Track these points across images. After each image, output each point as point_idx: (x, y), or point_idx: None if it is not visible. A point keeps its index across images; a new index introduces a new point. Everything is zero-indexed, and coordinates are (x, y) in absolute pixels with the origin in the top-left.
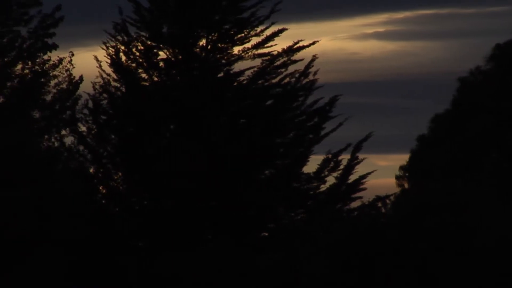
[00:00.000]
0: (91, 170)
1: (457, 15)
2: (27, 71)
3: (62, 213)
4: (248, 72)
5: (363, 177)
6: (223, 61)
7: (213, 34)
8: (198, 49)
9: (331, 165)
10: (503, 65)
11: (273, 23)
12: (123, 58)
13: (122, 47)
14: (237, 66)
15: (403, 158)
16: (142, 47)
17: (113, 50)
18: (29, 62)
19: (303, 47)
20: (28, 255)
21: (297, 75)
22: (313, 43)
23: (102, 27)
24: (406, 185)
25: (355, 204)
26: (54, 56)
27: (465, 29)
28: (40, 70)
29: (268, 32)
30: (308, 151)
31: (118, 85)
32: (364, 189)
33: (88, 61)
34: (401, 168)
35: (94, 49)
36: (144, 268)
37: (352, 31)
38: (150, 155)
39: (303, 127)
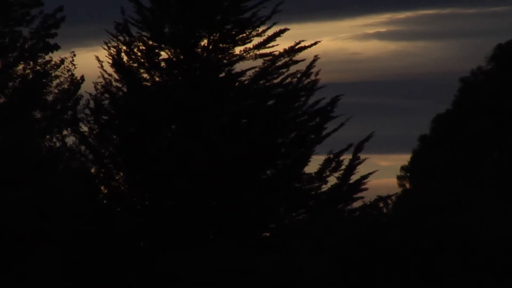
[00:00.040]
0: (92, 170)
1: (458, 15)
2: (28, 71)
3: (63, 213)
4: (249, 72)
5: (365, 177)
6: (225, 61)
7: (214, 34)
8: (199, 49)
9: (333, 165)
10: (504, 65)
11: (274, 24)
12: (125, 58)
13: (124, 47)
14: (239, 66)
15: (404, 158)
16: (143, 47)
17: (115, 50)
18: (31, 62)
19: (305, 48)
20: (28, 255)
21: (298, 75)
22: (315, 43)
23: (103, 27)
24: (407, 185)
25: (356, 204)
26: (56, 56)
27: (466, 29)
28: (41, 71)
29: (270, 32)
30: (310, 151)
31: (120, 85)
32: (366, 189)
33: (89, 61)
34: (403, 168)
35: (96, 49)
36: (145, 268)
37: (354, 31)
38: (152, 155)
39: (304, 127)
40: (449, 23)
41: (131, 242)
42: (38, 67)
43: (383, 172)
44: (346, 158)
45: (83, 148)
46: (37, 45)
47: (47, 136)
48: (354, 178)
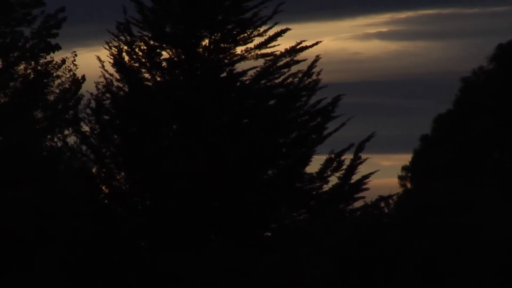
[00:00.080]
0: (93, 170)
1: (460, 15)
2: (30, 71)
3: (64, 213)
4: (250, 72)
5: (366, 177)
6: (226, 61)
7: (216, 34)
8: (201, 49)
9: (334, 165)
10: (505, 65)
11: (275, 23)
12: (126, 58)
13: (125, 47)
14: (240, 66)
15: (405, 158)
16: (145, 47)
17: (116, 50)
18: (32, 62)
19: (306, 48)
20: (28, 255)
21: (300, 75)
22: (316, 43)
23: (104, 27)
24: (408, 185)
25: (357, 204)
26: (57, 56)
27: (468, 29)
28: (43, 70)
29: (271, 32)
30: (311, 151)
31: (121, 85)
32: (367, 189)
33: (90, 61)
34: (404, 168)
35: (97, 49)
36: (146, 268)
37: (355, 31)
38: (153, 155)
39: (305, 127)
40: (450, 23)
41: (132, 242)
42: (39, 67)
43: (384, 172)
44: (347, 158)
45: (84, 148)
46: (38, 45)
47: (48, 136)
48: (355, 178)
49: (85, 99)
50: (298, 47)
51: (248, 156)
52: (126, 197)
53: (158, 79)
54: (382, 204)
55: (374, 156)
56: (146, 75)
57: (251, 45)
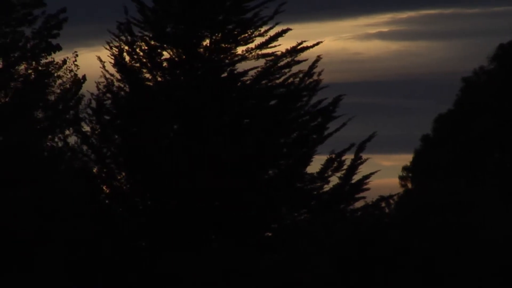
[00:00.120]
0: (94, 170)
1: (461, 15)
2: (30, 71)
3: (65, 213)
4: (251, 72)
5: (367, 177)
6: (227, 61)
7: (216, 34)
8: (201, 49)
9: (335, 165)
10: (506, 65)
11: (276, 24)
12: (127, 58)
13: (126, 47)
14: (241, 66)
15: (406, 158)
16: (145, 47)
17: (117, 50)
18: (33, 63)
19: (307, 48)
20: (29, 255)
21: (301, 76)
22: (317, 43)
23: (105, 27)
24: (409, 185)
25: (358, 204)
26: (58, 56)
27: (469, 29)
28: (44, 70)
29: (272, 32)
30: (312, 151)
31: (122, 85)
32: (368, 189)
33: (91, 61)
34: (405, 168)
35: (98, 49)
36: (147, 268)
37: (356, 31)
38: (154, 155)
39: (306, 127)
40: (451, 23)
41: (132, 242)
42: (40, 67)
43: (385, 172)
44: (348, 158)
45: (85, 148)
46: (39, 45)
47: (49, 136)
48: (356, 178)
49: (86, 99)
50: (299, 47)
51: (248, 156)
52: (127, 197)
53: (159, 79)
54: (383, 204)
55: (375, 156)
56: (147, 75)
57: (252, 45)
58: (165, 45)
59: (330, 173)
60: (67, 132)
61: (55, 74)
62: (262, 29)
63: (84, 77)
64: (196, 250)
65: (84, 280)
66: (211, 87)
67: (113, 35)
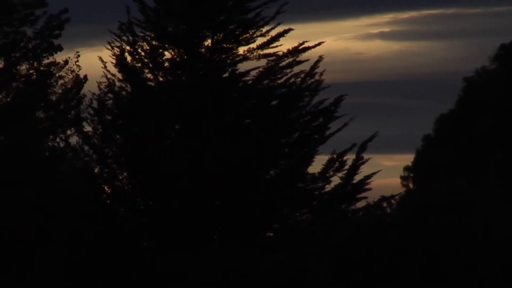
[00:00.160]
0: (96, 170)
1: (462, 15)
2: (32, 71)
3: (66, 213)
4: (253, 72)
5: (368, 177)
6: (228, 61)
7: (218, 34)
8: (203, 49)
9: (336, 165)
10: (507, 65)
11: (278, 24)
12: (128, 58)
13: (127, 47)
14: (242, 66)
15: (408, 158)
16: (147, 47)
17: (118, 50)
18: (35, 63)
19: (309, 48)
20: (29, 255)
21: (302, 76)
22: (319, 43)
23: (106, 27)
24: (411, 185)
25: (360, 204)
26: (60, 56)
27: (470, 29)
28: (46, 70)
29: (274, 32)
30: (313, 151)
31: (123, 85)
32: (369, 189)
33: (93, 61)
34: (406, 168)
35: (99, 49)
36: (148, 268)
37: (357, 31)
38: (155, 155)
39: (308, 127)
40: (452, 23)
41: (134, 241)
42: (42, 67)
43: (386, 172)
44: (350, 158)
45: (86, 148)
46: (41, 45)
47: (51, 136)
48: (357, 178)
49: (87, 99)
50: (300, 47)
51: (250, 156)
52: (129, 197)
53: (161, 79)
54: (385, 204)
55: (376, 156)
56: (149, 75)
57: (253, 45)
58: (166, 45)
59: (331, 173)
60: (68, 132)
61: (57, 74)
62: (264, 29)
63: (85, 77)
64: (196, 250)
65: (85, 280)
66: (213, 87)
67: (115, 35)
